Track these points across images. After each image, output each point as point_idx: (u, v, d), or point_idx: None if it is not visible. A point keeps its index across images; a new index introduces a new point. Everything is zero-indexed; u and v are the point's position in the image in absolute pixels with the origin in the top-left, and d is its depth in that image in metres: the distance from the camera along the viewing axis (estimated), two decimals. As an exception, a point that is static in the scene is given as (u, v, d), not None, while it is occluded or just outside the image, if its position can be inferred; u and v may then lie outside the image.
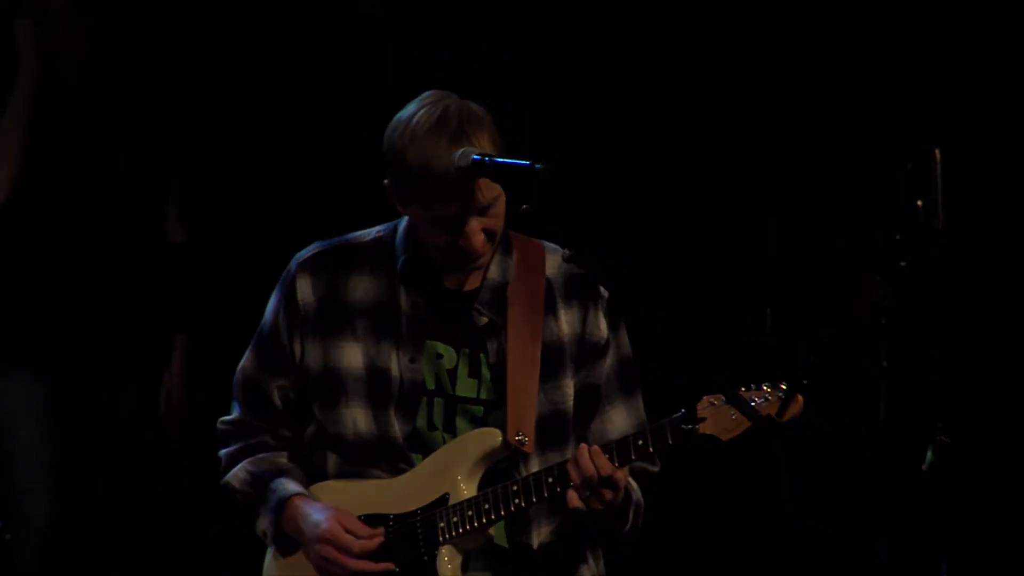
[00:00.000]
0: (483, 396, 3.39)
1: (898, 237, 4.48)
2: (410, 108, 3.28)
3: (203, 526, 5.16)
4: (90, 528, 4.62)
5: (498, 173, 3.17)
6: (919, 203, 4.49)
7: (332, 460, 3.41)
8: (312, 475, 3.43)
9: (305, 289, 3.41)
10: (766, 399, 3.28)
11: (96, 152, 4.56)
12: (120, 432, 4.71)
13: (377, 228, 3.46)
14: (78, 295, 4.54)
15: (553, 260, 3.43)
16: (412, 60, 5.17)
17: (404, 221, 3.41)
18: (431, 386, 3.39)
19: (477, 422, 3.38)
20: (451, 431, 3.39)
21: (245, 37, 5.21)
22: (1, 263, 4.53)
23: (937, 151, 4.46)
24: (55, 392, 4.54)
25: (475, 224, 3.26)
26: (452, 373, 3.40)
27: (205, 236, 4.82)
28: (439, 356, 3.40)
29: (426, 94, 3.31)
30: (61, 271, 4.53)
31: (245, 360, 3.48)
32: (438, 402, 3.39)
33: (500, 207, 3.29)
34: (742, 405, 3.19)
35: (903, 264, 4.47)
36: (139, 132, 4.62)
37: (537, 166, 3.13)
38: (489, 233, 3.30)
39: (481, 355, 3.39)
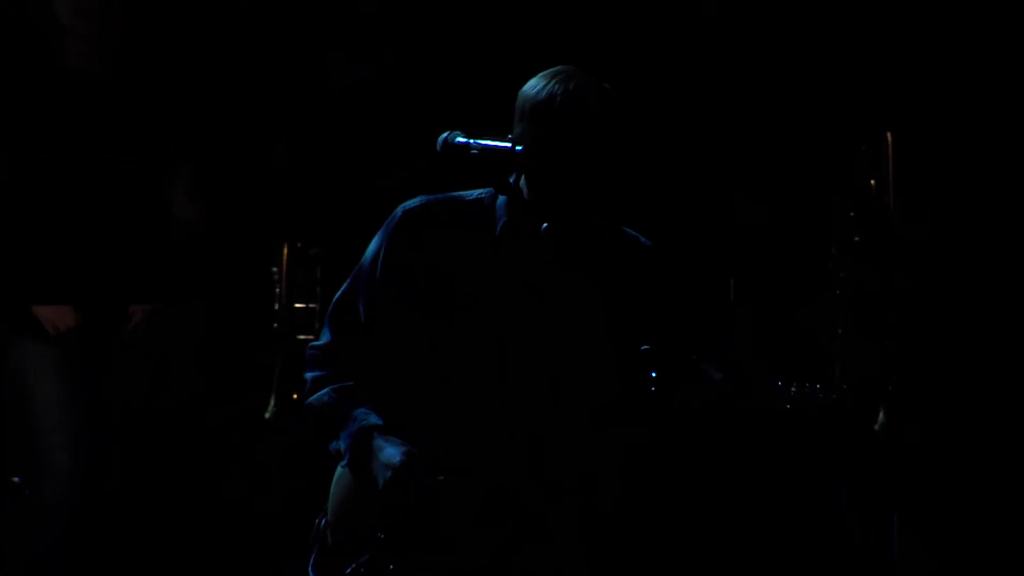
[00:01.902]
0: None
1: (852, 213, 4.69)
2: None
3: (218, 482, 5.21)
4: (110, 483, 4.65)
5: (482, 154, 3.28)
6: (872, 182, 4.71)
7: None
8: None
9: (408, 237, 3.44)
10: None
11: (100, 128, 4.57)
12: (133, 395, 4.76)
13: (478, 191, 3.48)
14: (85, 268, 4.55)
15: None
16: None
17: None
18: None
19: None
20: None
21: (245, 22, 5.28)
22: (10, 236, 4.54)
23: (889, 135, 4.68)
24: (71, 350, 4.55)
25: None
26: None
27: (213, 213, 4.82)
28: None
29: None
30: (69, 242, 4.53)
31: (342, 291, 3.51)
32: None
33: None
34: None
35: (857, 238, 4.68)
36: (145, 110, 4.64)
37: (518, 148, 3.26)
38: None
39: None
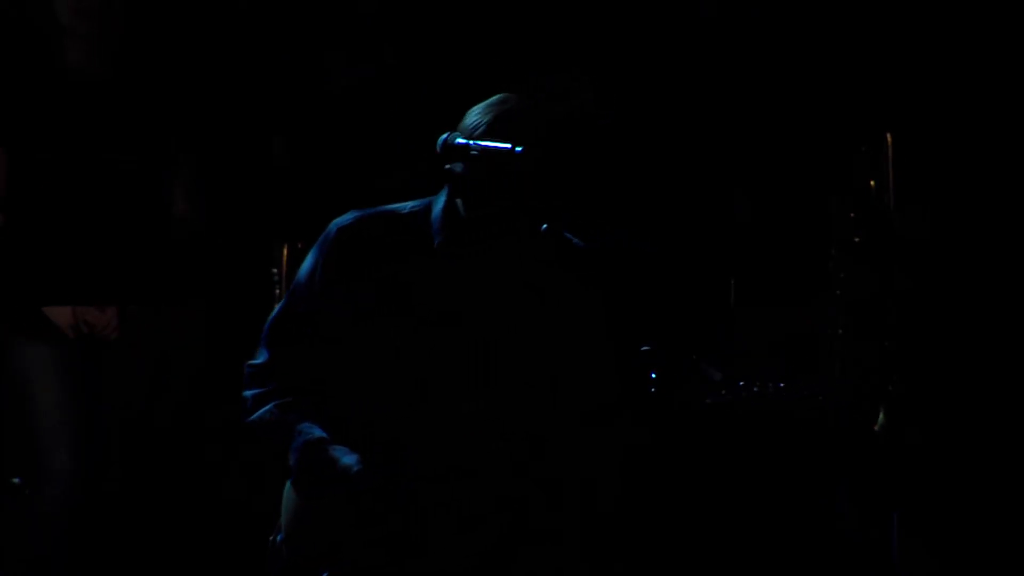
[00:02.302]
0: None
1: (852, 214, 4.70)
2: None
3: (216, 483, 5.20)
4: (110, 483, 4.68)
5: (482, 155, 3.30)
6: (872, 183, 4.72)
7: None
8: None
9: (345, 254, 3.48)
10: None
11: (100, 128, 4.57)
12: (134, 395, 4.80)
13: (411, 203, 3.54)
14: (84, 268, 4.55)
15: None
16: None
17: (442, 199, 3.49)
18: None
19: None
20: None
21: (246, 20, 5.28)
22: (10, 236, 4.52)
23: (889, 136, 4.69)
24: (71, 350, 4.55)
25: None
26: None
27: (213, 213, 4.85)
28: None
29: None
30: (68, 244, 4.53)
31: (279, 311, 3.55)
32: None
33: None
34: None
35: (857, 239, 4.69)
36: (145, 110, 4.64)
37: (518, 149, 3.27)
38: None
39: None
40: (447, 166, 3.40)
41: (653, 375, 4.00)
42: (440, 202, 3.49)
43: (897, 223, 4.65)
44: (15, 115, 4.52)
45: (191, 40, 5.09)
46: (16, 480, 4.69)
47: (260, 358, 3.54)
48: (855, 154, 4.72)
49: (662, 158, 5.23)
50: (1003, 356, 4.86)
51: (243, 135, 5.27)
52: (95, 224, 4.56)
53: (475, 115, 3.41)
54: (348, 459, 3.38)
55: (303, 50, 5.30)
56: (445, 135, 3.38)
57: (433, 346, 3.44)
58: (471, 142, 3.35)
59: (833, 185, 4.81)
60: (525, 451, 3.43)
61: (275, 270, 5.23)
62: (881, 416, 4.62)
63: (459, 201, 3.42)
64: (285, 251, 5.25)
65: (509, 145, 3.31)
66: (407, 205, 3.53)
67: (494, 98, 3.44)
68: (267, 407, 3.48)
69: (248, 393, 3.54)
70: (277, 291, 5.27)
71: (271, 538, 3.52)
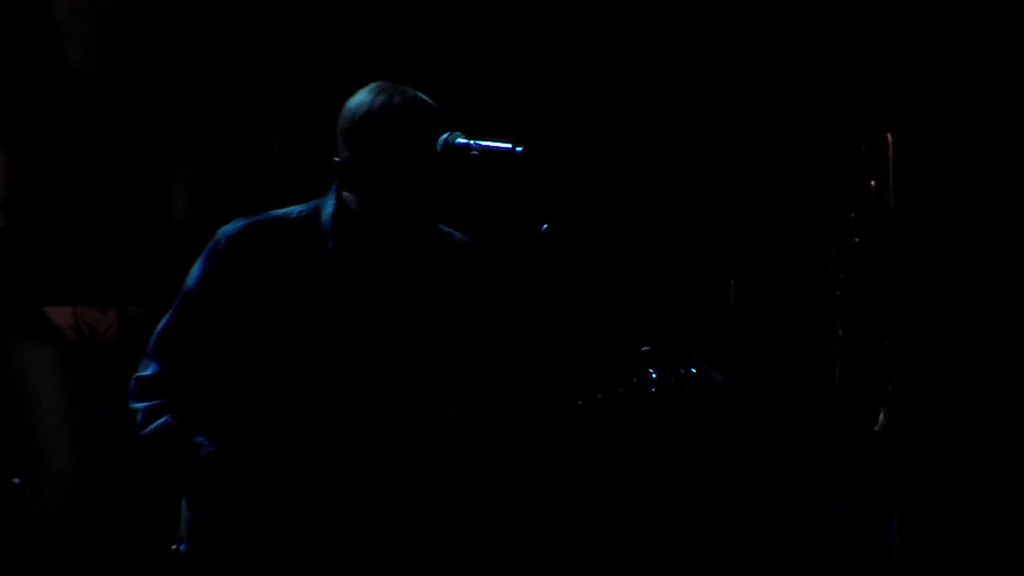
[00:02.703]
0: None
1: (853, 214, 4.71)
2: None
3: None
4: (110, 483, 4.67)
5: (483, 155, 3.31)
6: (872, 183, 4.72)
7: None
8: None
9: (234, 262, 3.45)
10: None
11: (100, 128, 4.57)
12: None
13: (298, 207, 3.52)
14: (84, 268, 4.55)
15: None
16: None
17: (331, 201, 3.49)
18: None
19: None
20: None
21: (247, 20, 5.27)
22: (10, 236, 4.54)
23: (889, 136, 4.70)
24: (71, 350, 4.55)
25: None
26: None
27: (213, 213, 4.76)
28: None
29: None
30: (68, 245, 4.53)
31: (167, 322, 3.49)
32: None
33: None
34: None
35: (857, 239, 4.69)
36: (145, 110, 4.63)
37: (518, 149, 3.28)
38: None
39: None
40: (335, 159, 3.43)
41: (653, 375, 4.00)
42: (330, 203, 3.48)
43: (897, 223, 4.65)
44: (15, 115, 4.52)
45: (191, 40, 5.10)
46: (16, 480, 4.69)
47: (148, 370, 3.49)
48: (855, 154, 4.73)
49: (662, 158, 5.23)
50: (1003, 356, 4.86)
51: (243, 135, 5.26)
52: (95, 224, 4.56)
53: (371, 96, 3.44)
54: (239, 471, 3.37)
55: (303, 50, 5.29)
56: (445, 135, 3.39)
57: (332, 344, 3.41)
58: (471, 142, 3.35)
59: (833, 185, 4.81)
60: (524, 451, 3.44)
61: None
62: (881, 416, 4.62)
63: (350, 195, 3.43)
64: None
65: (509, 145, 3.32)
66: (295, 209, 3.50)
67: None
68: (162, 420, 3.43)
69: (139, 405, 3.48)
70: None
71: (173, 547, 3.50)
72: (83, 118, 4.55)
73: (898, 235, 4.66)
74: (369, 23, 5.29)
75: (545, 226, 3.33)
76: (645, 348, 3.76)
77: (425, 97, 3.44)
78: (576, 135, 5.10)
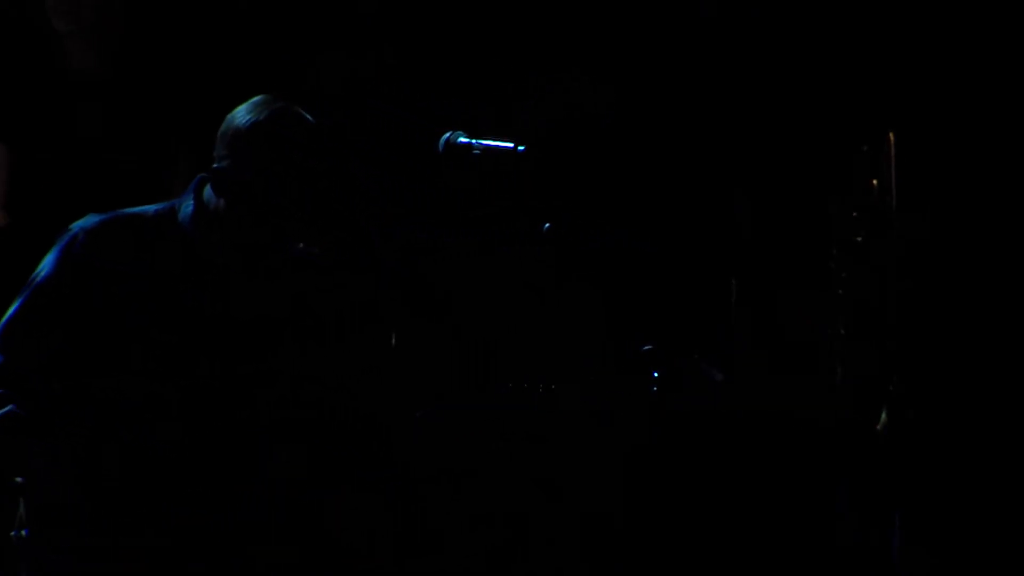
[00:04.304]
0: None
1: (855, 214, 4.71)
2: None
3: None
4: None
5: (484, 155, 3.35)
6: (874, 182, 4.73)
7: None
8: None
9: (90, 257, 3.44)
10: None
11: (100, 128, 4.62)
12: None
13: (155, 206, 3.52)
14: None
15: None
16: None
17: (190, 201, 3.49)
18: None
19: None
20: None
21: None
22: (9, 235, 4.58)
23: (891, 135, 4.70)
24: None
25: None
26: None
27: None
28: None
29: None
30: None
31: (15, 312, 3.45)
32: None
33: None
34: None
35: (859, 239, 4.70)
36: (145, 110, 4.68)
37: (520, 148, 3.33)
38: None
39: None
40: (215, 165, 3.43)
41: (654, 375, 4.01)
42: (189, 204, 3.49)
43: (898, 223, 4.65)
44: (15, 115, 4.52)
45: (191, 40, 5.09)
46: (17, 480, 4.68)
47: None
48: (856, 154, 4.73)
49: (662, 158, 5.24)
50: (1003, 356, 4.87)
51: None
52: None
53: (256, 110, 3.45)
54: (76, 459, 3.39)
55: (303, 50, 5.30)
56: (447, 134, 3.39)
57: (185, 343, 3.43)
58: (473, 141, 3.36)
59: (833, 185, 4.81)
60: (524, 451, 3.45)
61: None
62: (882, 416, 4.62)
63: (215, 199, 3.43)
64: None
65: (511, 144, 3.33)
66: (151, 208, 3.51)
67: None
68: (5, 409, 3.40)
69: None
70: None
71: (13, 534, 3.49)
72: (83, 118, 4.56)
73: (899, 235, 4.67)
74: (369, 23, 5.30)
75: (546, 226, 3.38)
76: (646, 348, 3.76)
77: (308, 115, 3.48)
78: (576, 135, 5.11)
